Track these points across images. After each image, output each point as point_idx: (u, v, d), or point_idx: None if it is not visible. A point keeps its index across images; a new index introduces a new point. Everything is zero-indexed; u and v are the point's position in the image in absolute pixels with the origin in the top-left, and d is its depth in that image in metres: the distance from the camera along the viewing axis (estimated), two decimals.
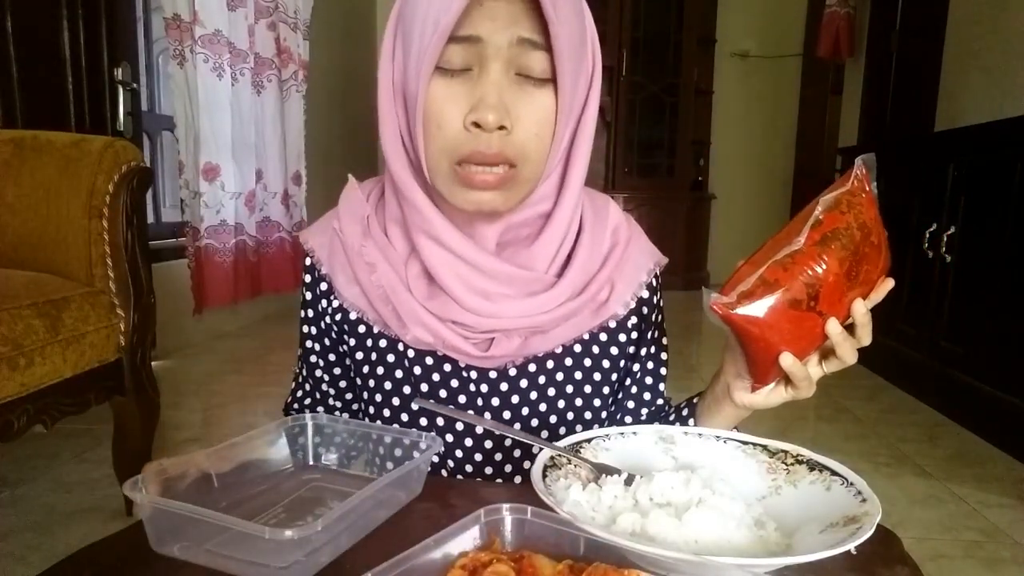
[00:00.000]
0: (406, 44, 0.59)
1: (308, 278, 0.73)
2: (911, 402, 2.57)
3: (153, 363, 1.59)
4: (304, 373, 0.76)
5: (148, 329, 1.54)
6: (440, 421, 0.69)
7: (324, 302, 0.72)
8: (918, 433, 2.24)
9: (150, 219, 2.92)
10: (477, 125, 0.56)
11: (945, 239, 2.42)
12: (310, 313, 0.73)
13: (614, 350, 0.71)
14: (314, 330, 0.73)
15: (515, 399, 0.68)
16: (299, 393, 0.78)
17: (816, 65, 4.84)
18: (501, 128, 0.56)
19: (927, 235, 2.54)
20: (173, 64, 2.57)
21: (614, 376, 0.72)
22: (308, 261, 0.73)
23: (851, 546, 0.40)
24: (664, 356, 0.76)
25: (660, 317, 0.75)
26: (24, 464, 1.75)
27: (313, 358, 0.74)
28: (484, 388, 0.68)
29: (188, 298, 2.71)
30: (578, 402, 0.70)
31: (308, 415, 0.61)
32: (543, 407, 0.69)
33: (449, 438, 0.69)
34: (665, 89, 4.82)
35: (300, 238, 0.74)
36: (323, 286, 0.72)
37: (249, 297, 3.02)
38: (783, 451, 0.55)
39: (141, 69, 2.67)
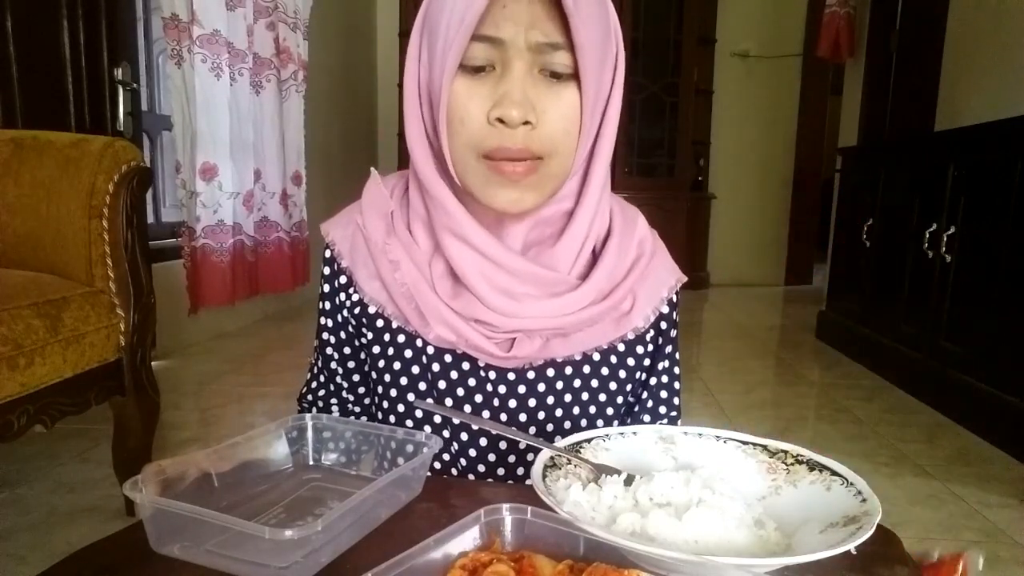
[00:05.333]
0: (431, 44, 0.59)
1: (327, 270, 0.73)
2: (911, 402, 2.57)
3: (153, 363, 1.59)
4: (320, 365, 0.77)
5: (148, 329, 1.54)
6: (455, 420, 0.68)
7: (343, 295, 0.72)
8: (918, 433, 2.24)
9: (150, 219, 2.92)
10: (501, 121, 0.57)
11: (945, 239, 2.42)
12: (327, 305, 0.73)
13: (631, 361, 0.72)
14: (330, 322, 0.73)
15: (532, 402, 0.68)
16: (314, 384, 0.78)
17: (816, 65, 4.84)
18: (526, 124, 0.57)
19: (927, 235, 2.54)
20: (171, 64, 2.57)
21: (628, 387, 0.72)
22: (328, 253, 0.73)
23: (851, 546, 0.40)
24: (677, 370, 0.76)
25: (676, 332, 0.76)
26: (24, 464, 1.75)
27: (329, 350, 0.75)
28: (502, 389, 0.68)
29: (187, 298, 2.71)
30: (592, 410, 0.70)
31: (308, 415, 0.61)
32: (559, 412, 0.69)
33: (464, 437, 0.69)
34: (665, 89, 4.82)
35: (321, 230, 0.73)
36: (343, 279, 0.71)
37: (246, 297, 3.02)
38: (783, 451, 0.55)
39: (141, 69, 2.66)
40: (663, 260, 0.73)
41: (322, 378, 0.77)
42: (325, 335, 0.74)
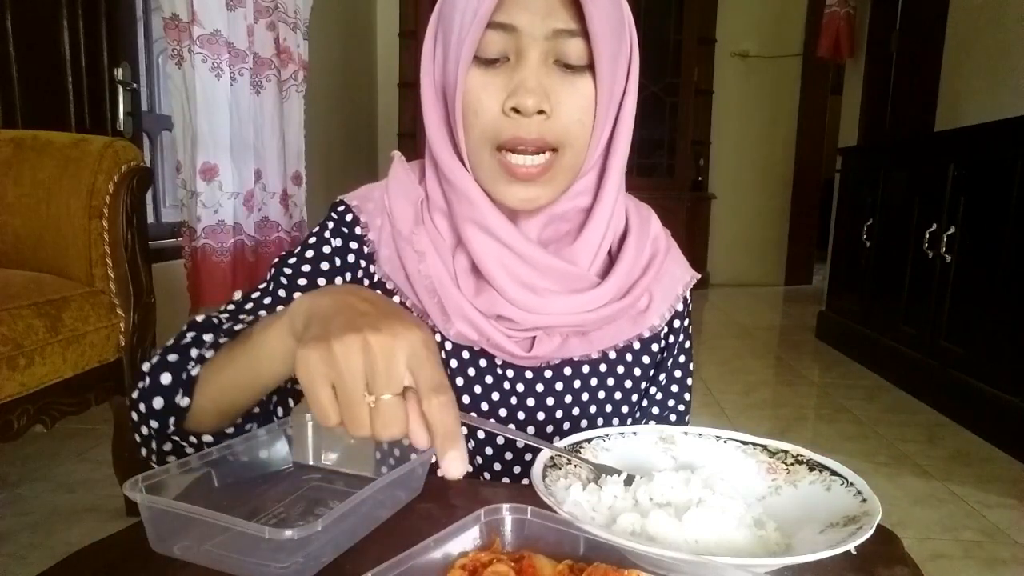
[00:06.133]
0: (445, 37, 0.59)
1: (346, 230, 0.67)
2: (911, 402, 2.57)
3: None
4: (244, 308, 0.64)
5: (148, 329, 1.54)
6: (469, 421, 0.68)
7: (361, 263, 0.67)
8: (918, 433, 2.24)
9: (150, 219, 2.92)
10: (516, 111, 0.56)
11: (945, 239, 2.42)
12: (323, 264, 0.65)
13: (646, 359, 0.72)
14: (323, 282, 0.65)
15: (549, 400, 0.68)
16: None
17: (816, 65, 4.84)
18: (540, 113, 0.57)
19: (927, 235, 2.54)
20: (171, 64, 2.56)
21: (643, 384, 0.72)
22: (349, 216, 0.68)
23: (851, 546, 0.40)
24: (691, 366, 0.77)
25: (689, 327, 0.76)
26: (24, 464, 1.75)
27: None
28: (519, 387, 0.68)
29: (188, 298, 2.71)
30: (608, 408, 0.70)
31: (309, 415, 0.61)
32: (576, 411, 0.69)
33: (480, 435, 0.68)
34: (665, 89, 4.82)
35: (345, 199, 0.69)
36: (365, 249, 0.67)
37: None
38: (783, 451, 0.55)
39: (141, 69, 2.67)
40: (676, 258, 0.74)
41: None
42: (301, 280, 0.65)
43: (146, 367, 0.58)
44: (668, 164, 4.95)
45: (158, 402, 0.56)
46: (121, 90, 2.35)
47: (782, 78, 5.17)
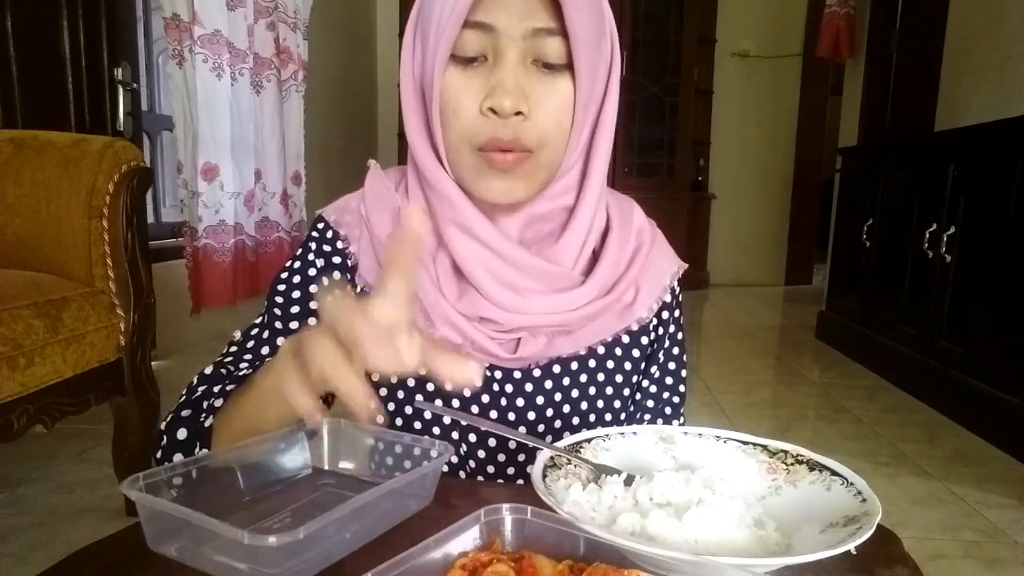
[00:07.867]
0: (424, 35, 0.59)
1: (328, 248, 0.69)
2: (911, 402, 2.57)
3: (153, 363, 1.59)
4: (249, 346, 0.67)
5: (148, 329, 1.54)
6: (462, 423, 0.68)
7: (347, 277, 0.68)
8: (918, 433, 2.24)
9: (150, 219, 2.92)
10: (494, 111, 0.56)
11: (945, 239, 2.42)
12: (313, 288, 0.67)
13: (636, 352, 0.72)
14: (315, 305, 0.67)
15: (539, 400, 0.68)
16: (209, 370, 0.66)
17: (816, 65, 4.85)
18: (518, 114, 0.57)
19: (927, 235, 2.54)
20: (172, 64, 2.57)
21: (634, 378, 0.72)
22: (330, 234, 0.69)
23: (851, 546, 0.40)
24: (684, 357, 0.76)
25: (680, 318, 0.76)
26: (24, 464, 1.75)
27: (281, 339, 0.66)
28: (508, 388, 0.68)
29: (188, 298, 2.71)
30: (599, 404, 0.70)
31: (325, 420, 0.60)
32: (566, 408, 0.69)
33: (472, 438, 0.68)
34: (665, 89, 4.82)
35: (324, 213, 0.70)
36: (348, 262, 0.68)
37: (247, 297, 3.02)
38: (783, 451, 0.55)
39: (141, 69, 2.67)
40: (662, 248, 0.73)
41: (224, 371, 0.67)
42: (294, 308, 0.67)
43: (162, 426, 0.60)
44: (668, 164, 4.95)
45: (178, 458, 0.58)
46: (121, 90, 2.35)
47: (782, 78, 5.18)
